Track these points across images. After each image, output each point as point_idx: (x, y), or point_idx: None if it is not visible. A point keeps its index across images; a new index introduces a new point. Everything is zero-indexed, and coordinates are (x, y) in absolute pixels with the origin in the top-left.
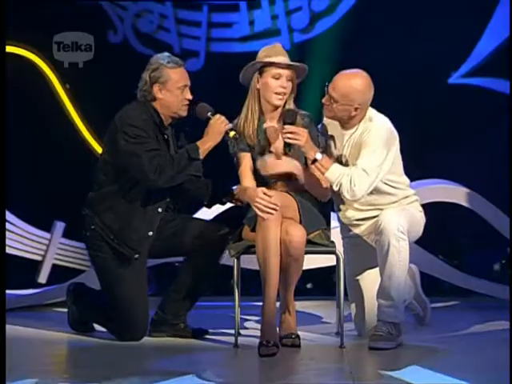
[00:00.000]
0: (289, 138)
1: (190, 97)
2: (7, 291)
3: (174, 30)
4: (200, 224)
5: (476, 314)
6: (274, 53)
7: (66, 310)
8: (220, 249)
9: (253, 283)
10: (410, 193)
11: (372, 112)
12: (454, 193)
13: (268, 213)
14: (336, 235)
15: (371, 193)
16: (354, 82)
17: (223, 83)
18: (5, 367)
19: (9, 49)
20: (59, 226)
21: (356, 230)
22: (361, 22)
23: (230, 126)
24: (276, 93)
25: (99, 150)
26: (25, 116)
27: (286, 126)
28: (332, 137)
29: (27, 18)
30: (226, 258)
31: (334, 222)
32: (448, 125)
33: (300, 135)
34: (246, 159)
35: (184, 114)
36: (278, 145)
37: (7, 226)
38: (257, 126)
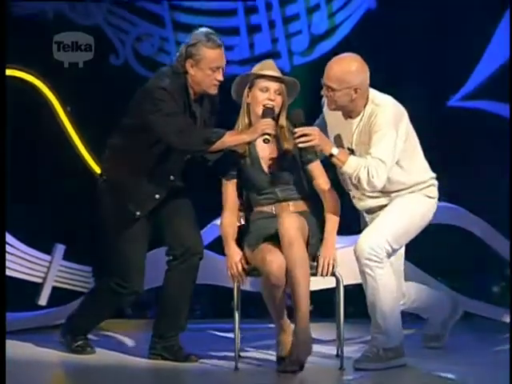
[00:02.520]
0: (302, 142)
1: (221, 78)
2: (8, 313)
3: (175, 52)
4: (186, 227)
5: (475, 335)
6: (265, 68)
7: None
8: (194, 260)
9: (253, 305)
10: (424, 178)
11: (374, 94)
12: (453, 215)
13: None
14: (339, 256)
15: None
16: (345, 65)
17: (224, 104)
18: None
19: (11, 72)
20: (59, 249)
21: (373, 216)
22: (359, 46)
23: (269, 132)
24: (263, 105)
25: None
26: (26, 139)
27: (296, 130)
28: (337, 128)
29: (30, 43)
30: (227, 281)
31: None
32: (447, 148)
33: (312, 135)
34: (231, 189)
35: (213, 92)
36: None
37: (8, 248)
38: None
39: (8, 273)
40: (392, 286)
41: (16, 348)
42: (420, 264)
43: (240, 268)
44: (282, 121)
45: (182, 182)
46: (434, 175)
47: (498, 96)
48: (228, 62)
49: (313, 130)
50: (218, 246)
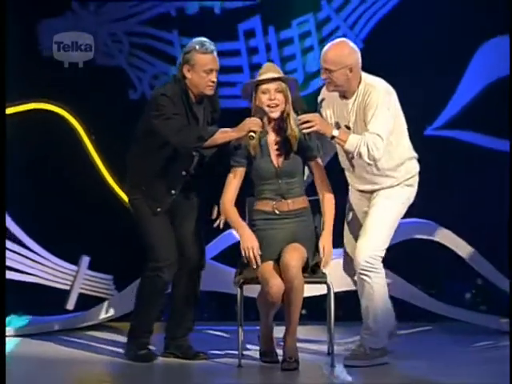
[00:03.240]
0: (305, 128)
1: (214, 79)
2: (39, 317)
3: None
4: (190, 239)
5: (450, 337)
6: (263, 72)
7: (91, 332)
8: (197, 271)
9: (253, 309)
10: (410, 155)
11: (365, 75)
12: (431, 231)
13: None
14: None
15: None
16: (339, 49)
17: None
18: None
19: (40, 105)
20: (85, 260)
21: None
22: None
23: (255, 129)
24: (267, 105)
25: (121, 194)
26: (55, 162)
27: (299, 117)
28: (336, 110)
29: (59, 80)
30: (231, 288)
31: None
32: (423, 174)
33: (314, 120)
34: (237, 175)
35: (209, 93)
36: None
37: (40, 260)
38: (259, 138)
39: (40, 281)
40: (385, 294)
41: (45, 348)
42: (401, 273)
43: (256, 252)
44: (290, 114)
45: (193, 177)
46: (416, 155)
47: (472, 126)
48: (233, 97)
49: (314, 117)
50: (224, 257)
